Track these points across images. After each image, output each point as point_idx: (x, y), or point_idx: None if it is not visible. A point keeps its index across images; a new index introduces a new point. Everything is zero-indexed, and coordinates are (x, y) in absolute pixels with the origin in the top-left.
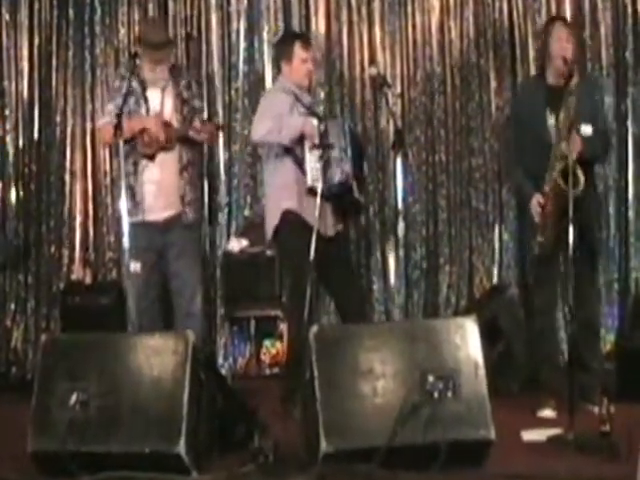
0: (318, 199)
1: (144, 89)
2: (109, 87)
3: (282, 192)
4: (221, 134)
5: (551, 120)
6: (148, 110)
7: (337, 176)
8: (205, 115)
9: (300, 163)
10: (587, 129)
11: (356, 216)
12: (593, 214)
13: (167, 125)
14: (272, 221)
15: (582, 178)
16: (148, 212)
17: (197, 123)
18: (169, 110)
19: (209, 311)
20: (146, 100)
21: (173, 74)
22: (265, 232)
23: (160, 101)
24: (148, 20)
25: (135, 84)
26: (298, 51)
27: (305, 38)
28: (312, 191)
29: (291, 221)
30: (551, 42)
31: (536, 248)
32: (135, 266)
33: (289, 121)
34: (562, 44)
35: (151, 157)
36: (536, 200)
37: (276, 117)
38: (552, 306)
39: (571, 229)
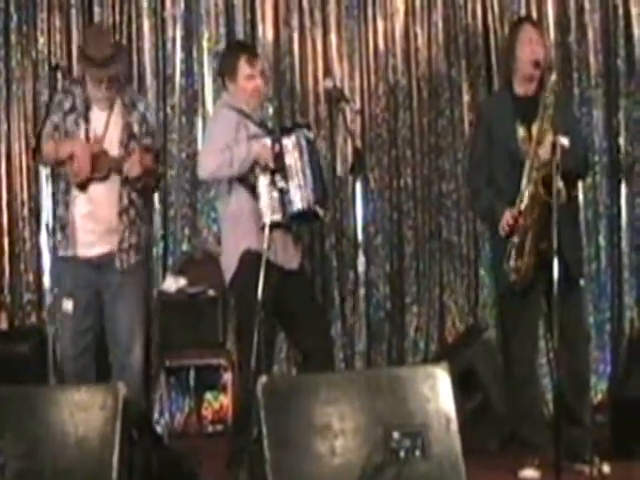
0: (266, 232)
1: (87, 108)
2: (52, 101)
3: (238, 227)
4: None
5: (522, 133)
6: (88, 132)
7: (297, 204)
8: None
9: (255, 191)
10: (564, 140)
11: None
12: (576, 246)
13: (98, 156)
14: (230, 266)
15: (564, 190)
16: (79, 247)
17: (135, 156)
18: (114, 138)
19: None
20: (87, 120)
21: (123, 98)
22: (223, 277)
23: (104, 124)
24: (90, 30)
25: (78, 100)
26: (243, 67)
27: (252, 51)
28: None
29: (251, 262)
30: (519, 45)
31: (511, 274)
32: (67, 304)
33: (238, 151)
34: (532, 46)
35: (82, 187)
36: (509, 214)
37: (224, 149)
38: (533, 350)
39: (555, 241)
